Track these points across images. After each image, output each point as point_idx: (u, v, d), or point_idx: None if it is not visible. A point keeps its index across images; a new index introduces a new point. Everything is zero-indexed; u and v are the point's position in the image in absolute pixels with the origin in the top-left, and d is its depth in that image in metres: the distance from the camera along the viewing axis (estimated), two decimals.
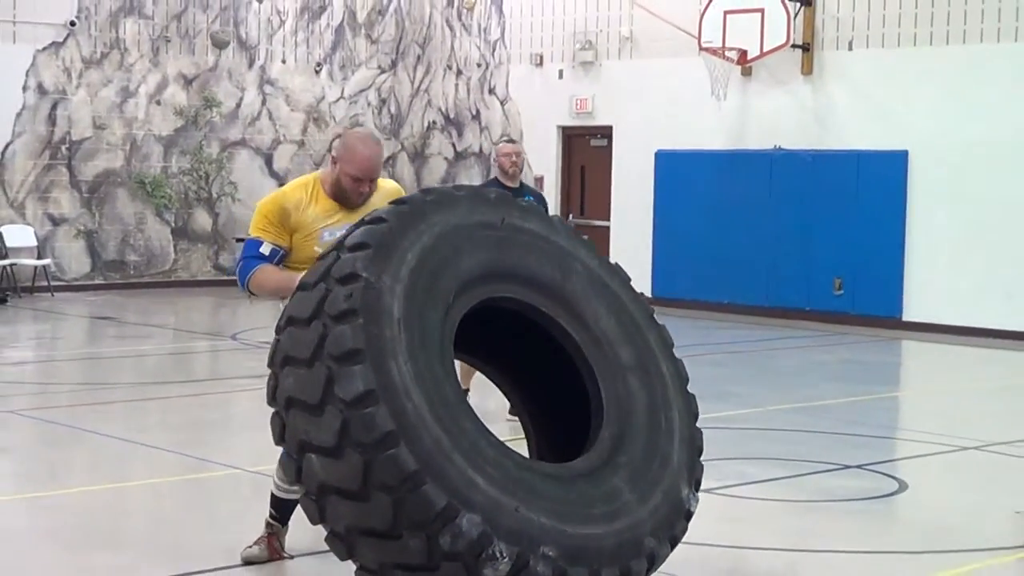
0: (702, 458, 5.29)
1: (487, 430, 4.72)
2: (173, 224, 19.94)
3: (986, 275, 15.80)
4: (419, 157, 21.82)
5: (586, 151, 19.65)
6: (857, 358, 14.32)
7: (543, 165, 19.84)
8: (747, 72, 17.70)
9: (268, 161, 20.76)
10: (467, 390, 9.45)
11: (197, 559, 6.30)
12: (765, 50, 16.99)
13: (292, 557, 6.19)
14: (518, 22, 20.45)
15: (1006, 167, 15.63)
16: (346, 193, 5.91)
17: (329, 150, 5.88)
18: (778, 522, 7.32)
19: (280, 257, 5.95)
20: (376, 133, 6.19)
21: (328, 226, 5.90)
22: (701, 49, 17.36)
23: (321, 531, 4.77)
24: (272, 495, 6.09)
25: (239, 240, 19.93)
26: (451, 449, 4.47)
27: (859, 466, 8.64)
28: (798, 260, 17.11)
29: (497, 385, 5.77)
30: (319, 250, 5.62)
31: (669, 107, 18.38)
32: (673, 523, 4.96)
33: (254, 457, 8.73)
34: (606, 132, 19.32)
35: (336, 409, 4.45)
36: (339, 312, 4.57)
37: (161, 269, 19.88)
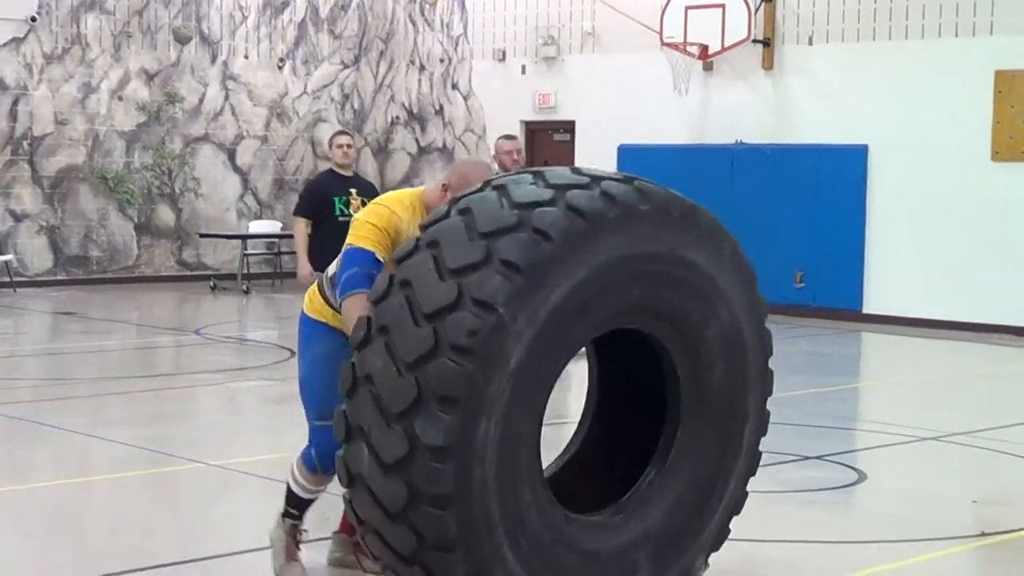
0: None
1: (543, 488, 4.58)
2: (136, 220, 19.87)
3: (945, 268, 15.94)
4: (382, 152, 21.82)
5: (549, 146, 19.70)
6: (818, 350, 14.44)
7: None
8: (708, 67, 17.78)
9: (231, 156, 20.72)
10: None
11: (160, 553, 6.31)
12: (726, 45, 17.07)
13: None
14: (480, 17, 20.48)
15: (965, 161, 15.76)
16: None
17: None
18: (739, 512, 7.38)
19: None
20: (487, 161, 5.95)
21: None
22: (663, 44, 17.43)
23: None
24: (294, 494, 5.77)
25: (204, 236, 19.92)
26: (496, 522, 4.33)
27: (819, 457, 8.72)
28: (759, 253, 17.01)
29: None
30: None
31: (631, 102, 18.44)
32: None
33: (217, 451, 8.75)
34: (568, 127, 19.38)
35: (409, 445, 4.25)
36: (457, 345, 4.19)
37: (124, 265, 19.81)
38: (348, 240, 5.31)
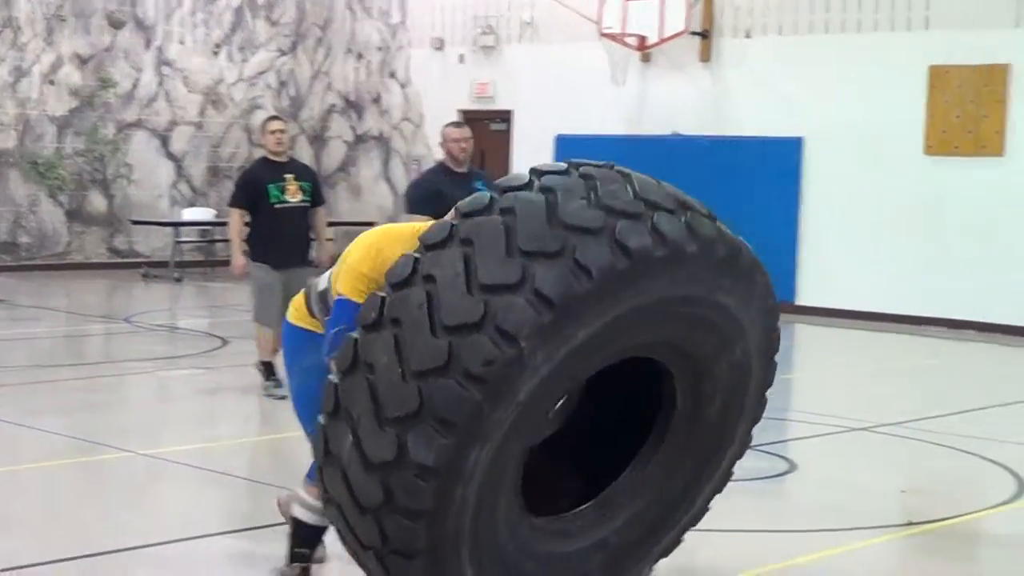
0: None
1: (517, 496, 4.46)
2: (67, 206, 19.64)
3: (878, 260, 16.08)
4: (318, 140, 21.70)
5: (486, 135, 19.63)
6: None
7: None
8: (646, 58, 17.82)
9: (165, 143, 20.52)
10: (270, 363, 9.80)
11: (90, 542, 6.23)
12: (664, 36, 17.11)
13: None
14: (419, 6, 20.40)
15: (900, 154, 15.89)
16: None
17: None
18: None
19: None
20: None
21: None
22: (601, 35, 17.46)
23: None
24: (302, 527, 5.29)
25: (136, 223, 19.70)
26: (466, 538, 4.20)
27: (752, 447, 8.74)
28: None
29: None
30: None
31: (569, 92, 18.45)
32: None
33: (147, 440, 8.67)
34: (506, 116, 19.36)
35: (396, 452, 4.05)
36: (470, 372, 3.95)
37: (54, 251, 19.58)
38: (340, 288, 4.77)
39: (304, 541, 5.26)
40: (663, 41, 17.17)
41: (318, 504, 4.81)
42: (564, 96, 18.51)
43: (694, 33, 17.28)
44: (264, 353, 9.96)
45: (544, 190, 4.28)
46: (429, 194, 8.49)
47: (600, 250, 4.09)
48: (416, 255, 4.19)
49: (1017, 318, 15.09)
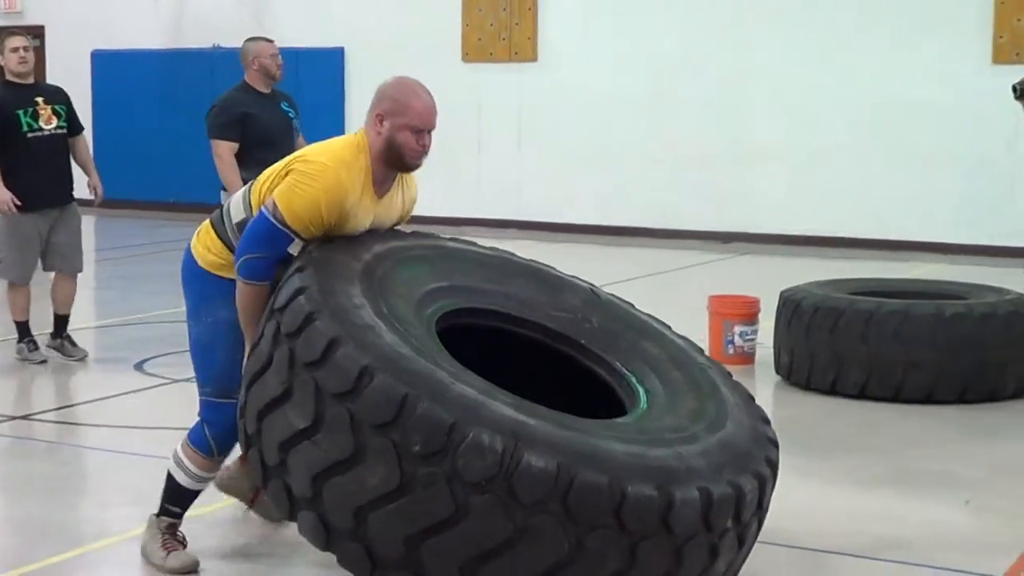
0: None
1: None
2: None
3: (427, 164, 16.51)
4: None
5: None
6: None
7: None
8: None
9: None
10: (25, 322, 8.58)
11: None
12: None
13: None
14: None
15: (439, 61, 16.36)
16: (403, 156, 4.56)
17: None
18: None
19: None
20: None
21: (363, 227, 4.59)
22: None
23: None
24: (178, 487, 4.81)
25: None
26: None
27: None
28: None
29: None
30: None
31: (104, 5, 17.90)
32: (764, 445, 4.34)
33: None
34: (38, 32, 18.54)
35: (306, 375, 3.98)
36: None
37: None
38: (277, 197, 4.37)
39: (177, 500, 4.84)
40: None
41: (197, 470, 4.72)
42: (99, 9, 17.95)
43: None
44: (18, 313, 8.57)
45: None
46: (235, 118, 7.78)
47: None
48: None
49: (542, 215, 15.90)
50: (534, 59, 16.23)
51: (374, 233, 4.58)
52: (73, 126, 8.62)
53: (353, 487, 3.88)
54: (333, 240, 4.43)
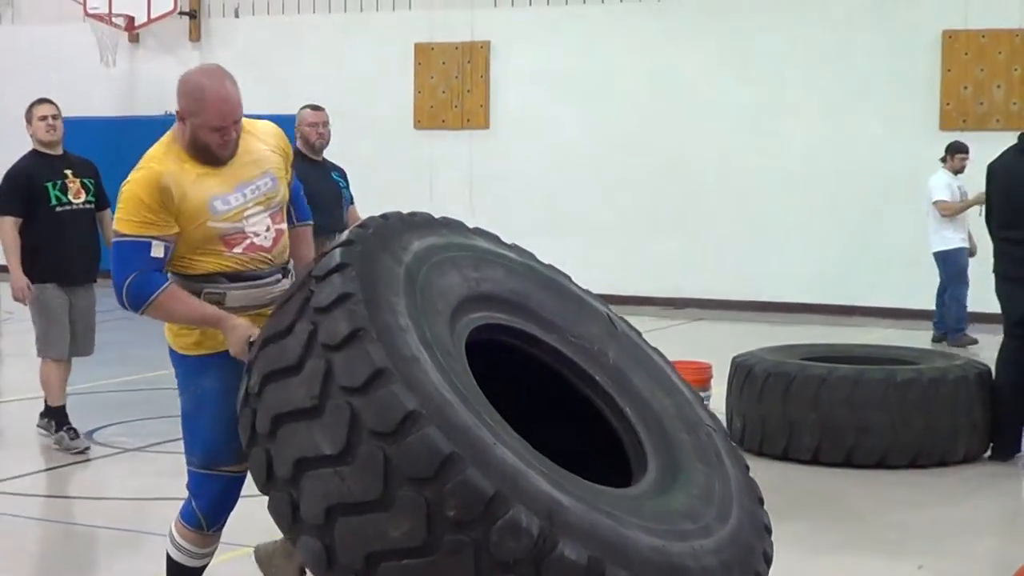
0: None
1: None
2: None
3: None
4: None
5: None
6: None
7: None
8: (135, 39, 17.58)
9: None
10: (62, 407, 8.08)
11: None
12: (152, 17, 16.99)
13: None
14: None
15: (391, 129, 16.43)
16: (210, 149, 4.38)
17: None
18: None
19: (171, 254, 4.36)
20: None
21: (216, 194, 4.38)
22: (87, 15, 17.04)
23: None
24: (179, 568, 4.58)
25: None
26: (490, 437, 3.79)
27: None
28: None
29: None
30: (214, 225, 4.36)
31: (57, 75, 17.86)
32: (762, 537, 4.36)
33: None
34: None
35: (343, 399, 3.72)
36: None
37: None
38: (114, 224, 4.36)
39: None
40: (152, 21, 17.09)
41: (191, 546, 4.51)
42: (51, 79, 17.87)
43: (183, 13, 17.22)
44: (54, 396, 8.03)
45: None
46: None
47: None
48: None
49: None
50: (486, 126, 16.33)
51: (407, 221, 4.37)
52: (100, 201, 8.09)
53: (371, 532, 3.67)
54: (371, 228, 4.19)
